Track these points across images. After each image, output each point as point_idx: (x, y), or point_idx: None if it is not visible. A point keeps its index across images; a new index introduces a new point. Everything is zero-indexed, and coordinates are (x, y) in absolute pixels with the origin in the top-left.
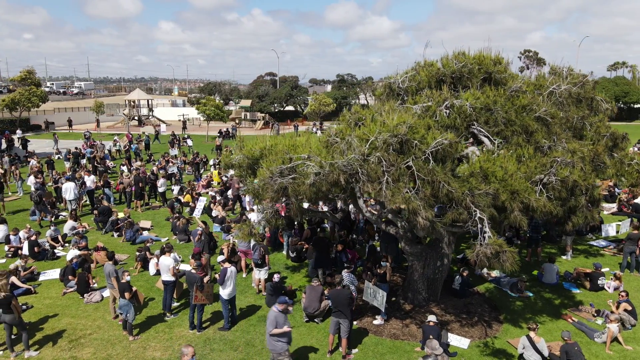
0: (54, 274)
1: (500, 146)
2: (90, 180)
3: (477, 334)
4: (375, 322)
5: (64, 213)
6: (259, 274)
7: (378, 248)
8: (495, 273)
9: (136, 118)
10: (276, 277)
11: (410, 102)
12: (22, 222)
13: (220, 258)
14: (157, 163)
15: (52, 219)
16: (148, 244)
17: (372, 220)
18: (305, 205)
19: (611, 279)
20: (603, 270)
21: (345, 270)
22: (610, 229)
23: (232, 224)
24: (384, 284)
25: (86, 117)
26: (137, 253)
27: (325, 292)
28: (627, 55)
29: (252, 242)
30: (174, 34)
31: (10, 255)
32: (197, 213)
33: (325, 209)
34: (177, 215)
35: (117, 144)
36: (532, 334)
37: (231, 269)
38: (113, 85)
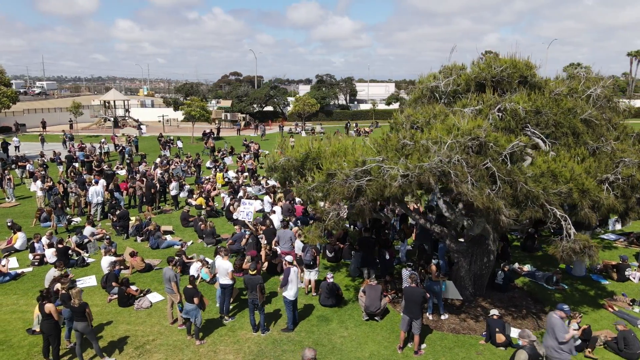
0: (89, 280)
1: (551, 147)
2: (101, 184)
3: (530, 325)
4: (442, 317)
5: (76, 219)
6: (310, 275)
7: (406, 247)
8: (527, 267)
9: (111, 119)
10: (330, 278)
11: (458, 105)
12: (32, 229)
13: (288, 258)
14: (161, 165)
15: (67, 225)
16: (183, 248)
17: (417, 222)
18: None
19: (635, 270)
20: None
21: (406, 268)
22: (617, 223)
23: (259, 226)
24: (434, 282)
25: (58, 119)
26: (176, 258)
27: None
28: (575, 56)
29: (298, 243)
30: (132, 32)
31: (36, 264)
32: (246, 217)
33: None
34: (201, 218)
35: (106, 146)
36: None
37: (294, 269)
38: (69, 84)
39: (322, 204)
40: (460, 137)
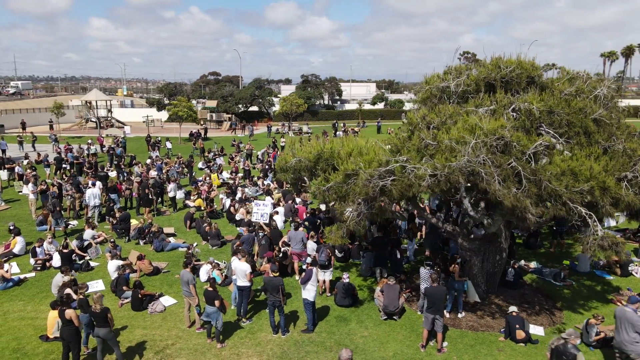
0: (97, 285)
1: (565, 147)
2: (98, 187)
3: (545, 321)
4: (460, 315)
5: (73, 222)
6: (324, 275)
7: (413, 246)
8: (533, 264)
9: (93, 120)
10: (345, 278)
11: (471, 104)
12: (28, 234)
13: (308, 260)
14: (153, 165)
15: (64, 228)
16: (190, 251)
17: (428, 220)
18: (323, 207)
19: (637, 265)
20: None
21: (425, 267)
22: (611, 220)
23: (264, 227)
24: (457, 281)
25: (37, 119)
26: (185, 260)
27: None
28: (548, 57)
29: (311, 244)
30: (107, 31)
31: (39, 268)
32: (261, 218)
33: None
34: (205, 220)
35: (93, 147)
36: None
37: (315, 270)
38: (41, 84)
39: (323, 207)
40: (483, 136)
